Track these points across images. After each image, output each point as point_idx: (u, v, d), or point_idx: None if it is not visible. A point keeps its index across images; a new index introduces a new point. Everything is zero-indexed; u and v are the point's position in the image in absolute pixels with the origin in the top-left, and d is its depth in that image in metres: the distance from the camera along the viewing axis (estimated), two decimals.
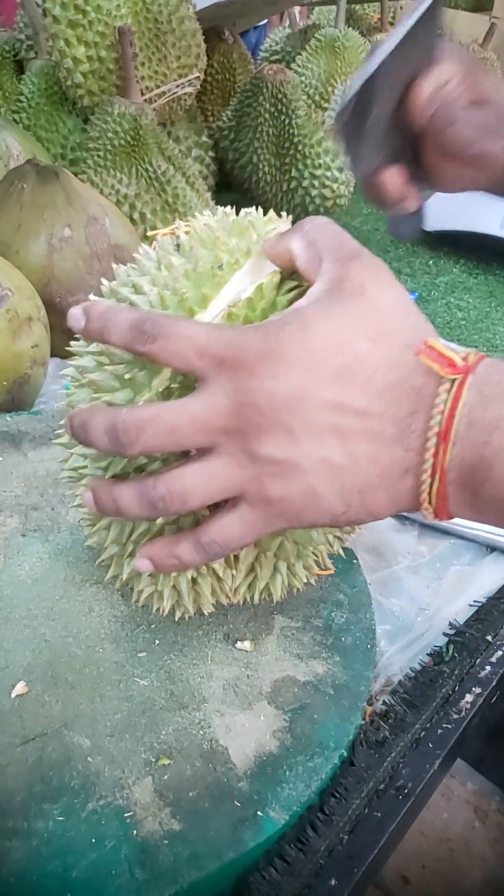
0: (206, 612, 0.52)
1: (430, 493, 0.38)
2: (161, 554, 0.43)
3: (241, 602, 0.52)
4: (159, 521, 0.45)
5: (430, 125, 0.59)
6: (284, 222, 0.51)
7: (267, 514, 0.40)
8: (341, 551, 0.56)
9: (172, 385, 0.43)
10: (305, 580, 0.53)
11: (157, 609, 0.50)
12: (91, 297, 0.49)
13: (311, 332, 0.38)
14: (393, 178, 0.62)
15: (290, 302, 0.45)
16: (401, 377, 0.38)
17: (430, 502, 0.39)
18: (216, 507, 0.42)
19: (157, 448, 0.40)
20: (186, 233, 0.49)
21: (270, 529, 0.41)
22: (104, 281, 0.50)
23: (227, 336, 0.39)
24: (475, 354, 0.39)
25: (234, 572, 0.49)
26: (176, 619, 0.53)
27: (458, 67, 0.59)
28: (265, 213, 0.51)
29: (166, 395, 0.43)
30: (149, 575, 0.48)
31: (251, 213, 0.50)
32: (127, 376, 0.44)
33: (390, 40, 0.56)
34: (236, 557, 0.48)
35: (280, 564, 0.49)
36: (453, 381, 0.37)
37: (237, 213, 0.51)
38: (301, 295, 0.43)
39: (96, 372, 0.46)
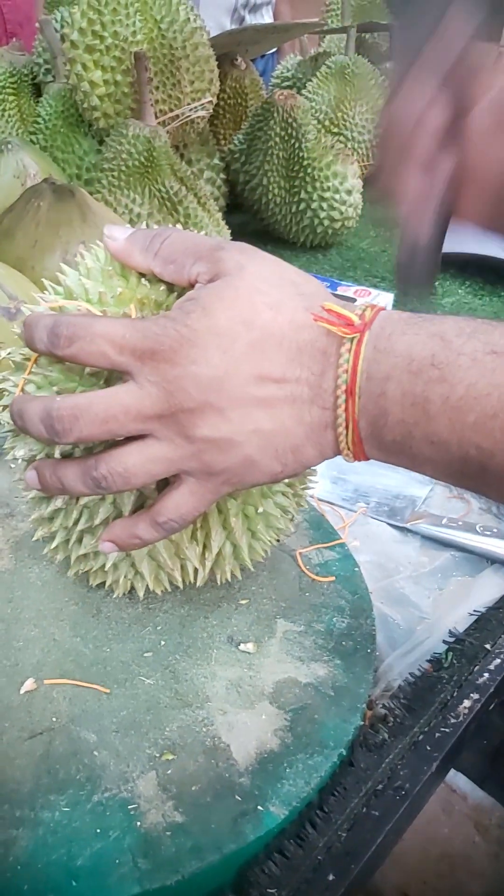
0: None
1: (347, 443, 0.42)
2: (122, 534, 0.46)
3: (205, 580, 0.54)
4: (100, 515, 0.48)
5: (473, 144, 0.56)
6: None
7: (212, 484, 0.44)
8: (299, 504, 0.56)
9: None
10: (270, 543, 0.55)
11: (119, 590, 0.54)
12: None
13: (215, 315, 0.41)
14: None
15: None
16: (306, 340, 0.41)
17: (349, 449, 0.43)
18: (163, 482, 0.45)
19: (91, 437, 0.42)
20: (61, 308, 0.48)
21: (218, 497, 0.45)
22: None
23: (142, 328, 0.41)
24: (372, 309, 0.42)
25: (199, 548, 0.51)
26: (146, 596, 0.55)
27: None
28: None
29: None
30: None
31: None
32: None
33: None
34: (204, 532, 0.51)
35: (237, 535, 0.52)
36: (352, 339, 0.41)
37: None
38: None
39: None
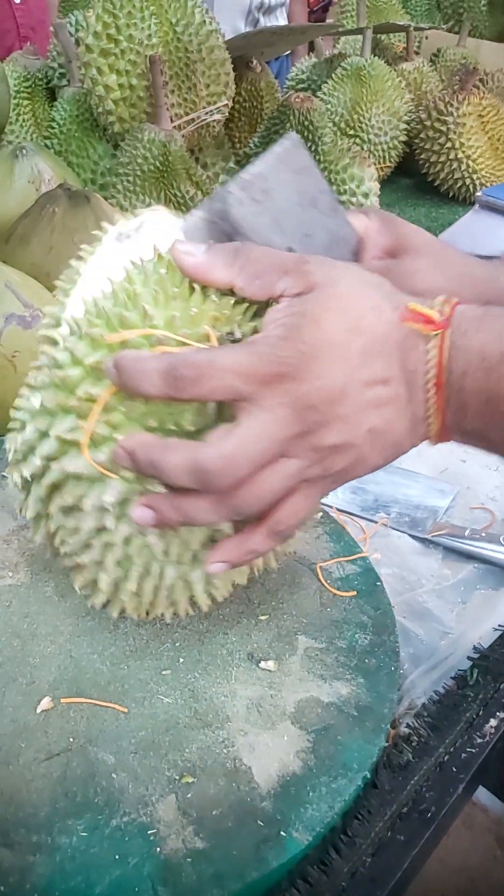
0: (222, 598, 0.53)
1: (434, 430, 0.45)
2: (236, 552, 0.45)
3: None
4: (194, 542, 0.47)
5: None
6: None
7: (324, 485, 0.45)
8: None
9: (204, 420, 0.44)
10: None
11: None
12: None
13: (326, 326, 0.42)
14: None
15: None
16: (400, 338, 0.43)
17: (436, 436, 0.45)
18: None
19: (246, 478, 0.42)
20: (124, 341, 0.45)
21: (326, 494, 0.46)
22: None
23: (260, 353, 0.41)
24: (448, 304, 0.44)
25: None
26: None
27: (376, 215, 0.56)
28: None
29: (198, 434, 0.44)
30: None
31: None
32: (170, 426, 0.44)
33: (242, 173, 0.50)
34: None
35: None
36: (436, 335, 0.43)
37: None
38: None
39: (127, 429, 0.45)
